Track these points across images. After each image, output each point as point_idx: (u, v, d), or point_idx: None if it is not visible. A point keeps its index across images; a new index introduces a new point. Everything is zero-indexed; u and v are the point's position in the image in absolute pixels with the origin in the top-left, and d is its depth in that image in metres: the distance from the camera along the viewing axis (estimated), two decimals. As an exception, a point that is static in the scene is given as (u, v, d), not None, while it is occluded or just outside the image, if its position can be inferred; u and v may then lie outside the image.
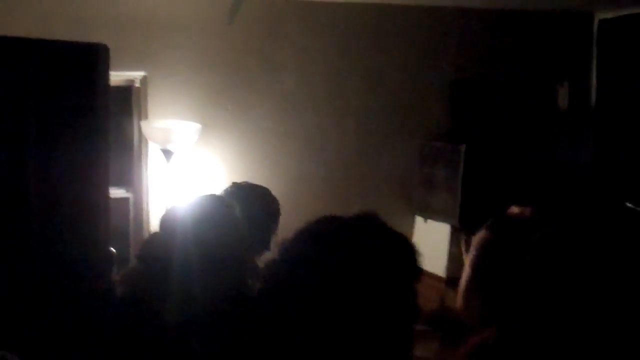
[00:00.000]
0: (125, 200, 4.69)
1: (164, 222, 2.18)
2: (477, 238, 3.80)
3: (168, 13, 4.64)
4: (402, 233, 1.38)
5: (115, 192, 4.41)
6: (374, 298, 1.24)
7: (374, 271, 1.25)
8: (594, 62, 5.49)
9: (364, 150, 5.09)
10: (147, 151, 4.66)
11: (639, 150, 5.03)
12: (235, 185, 2.93)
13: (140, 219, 4.68)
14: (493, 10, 5.23)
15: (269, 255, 3.42)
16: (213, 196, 2.24)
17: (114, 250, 3.59)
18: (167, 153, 4.37)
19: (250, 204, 2.33)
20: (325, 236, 1.27)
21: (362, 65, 5.06)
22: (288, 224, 3.23)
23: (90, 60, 2.90)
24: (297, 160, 4.95)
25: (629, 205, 4.38)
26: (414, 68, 5.16)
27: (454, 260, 4.70)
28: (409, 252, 1.33)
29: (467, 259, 3.84)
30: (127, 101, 4.69)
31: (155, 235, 2.18)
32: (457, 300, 3.56)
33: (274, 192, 4.76)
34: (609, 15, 5.34)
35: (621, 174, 5.05)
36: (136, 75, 4.64)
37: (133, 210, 4.71)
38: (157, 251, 2.11)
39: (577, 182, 4.92)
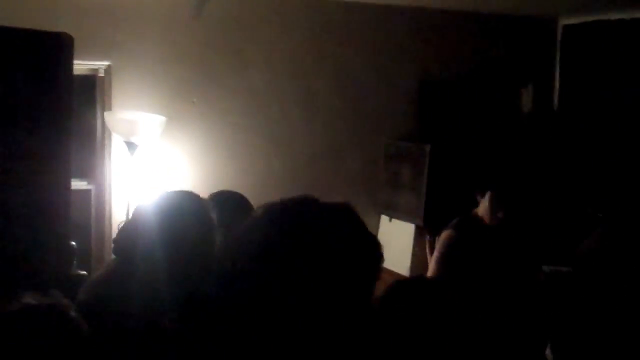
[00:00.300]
0: (87, 192, 4.62)
1: (132, 217, 2.15)
2: (443, 237, 3.83)
3: (135, 3, 4.57)
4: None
5: (77, 184, 4.34)
6: (327, 283, 1.23)
7: (330, 257, 1.25)
8: (558, 66, 5.56)
9: (330, 147, 5.09)
10: (110, 143, 4.59)
11: (601, 154, 5.10)
12: (212, 194, 2.90)
13: (102, 212, 4.61)
14: (460, 12, 5.26)
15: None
16: (182, 190, 2.21)
17: (74, 244, 3.54)
18: (130, 145, 4.30)
19: (227, 211, 2.31)
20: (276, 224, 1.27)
21: (330, 63, 5.05)
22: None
23: (53, 49, 2.84)
24: (263, 156, 4.92)
25: (597, 213, 4.44)
26: (382, 68, 5.17)
27: (419, 260, 4.72)
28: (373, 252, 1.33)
29: (432, 258, 3.87)
30: (91, 91, 4.61)
31: (122, 230, 2.14)
32: None
33: (238, 187, 4.74)
34: (573, 21, 5.41)
35: (582, 178, 5.12)
36: (100, 65, 4.57)
37: (95, 203, 4.63)
38: (125, 247, 2.08)
39: (539, 185, 4.97)
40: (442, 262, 3.72)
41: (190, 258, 1.98)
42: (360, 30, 5.11)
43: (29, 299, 1.71)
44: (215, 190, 2.73)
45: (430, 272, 3.75)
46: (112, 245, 2.16)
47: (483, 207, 3.76)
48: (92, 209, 4.64)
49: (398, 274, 4.90)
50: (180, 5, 4.64)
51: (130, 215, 2.16)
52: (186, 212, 2.06)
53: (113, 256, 2.20)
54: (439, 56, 5.30)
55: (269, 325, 1.21)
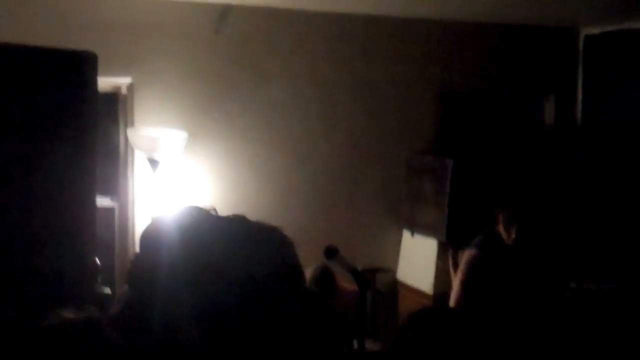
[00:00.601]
0: (110, 209, 4.63)
1: (145, 237, 2.12)
2: (466, 256, 3.80)
3: (156, 20, 4.60)
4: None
5: (101, 201, 4.34)
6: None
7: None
8: (580, 77, 5.51)
9: (352, 162, 5.07)
10: (133, 159, 4.60)
11: (625, 165, 5.04)
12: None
13: (125, 229, 4.62)
14: (481, 24, 5.24)
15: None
16: (198, 207, 2.19)
17: (98, 262, 3.54)
18: (153, 162, 4.32)
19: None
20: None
21: (350, 77, 5.05)
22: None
23: (77, 67, 2.86)
24: (285, 171, 4.92)
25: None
26: (402, 80, 5.16)
27: (441, 276, 4.67)
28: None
29: (456, 277, 3.84)
30: (114, 108, 4.63)
31: (138, 254, 2.13)
32: None
33: (259, 202, 4.74)
34: (595, 31, 5.37)
35: (606, 188, 5.07)
36: (123, 81, 4.59)
37: (118, 220, 4.64)
38: (143, 271, 2.06)
39: (564, 197, 4.92)
40: (466, 281, 3.69)
41: (211, 275, 1.97)
42: (380, 43, 5.10)
43: (67, 313, 1.72)
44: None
45: (454, 294, 3.73)
46: (129, 272, 2.13)
47: (501, 225, 3.74)
48: (116, 226, 4.65)
49: (421, 291, 4.84)
50: (201, 21, 4.66)
51: (146, 233, 2.13)
52: (205, 228, 2.05)
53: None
54: (459, 68, 5.28)
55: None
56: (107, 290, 3.70)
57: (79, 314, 1.75)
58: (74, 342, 1.64)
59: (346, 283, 3.72)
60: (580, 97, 5.53)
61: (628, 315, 3.79)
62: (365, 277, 3.15)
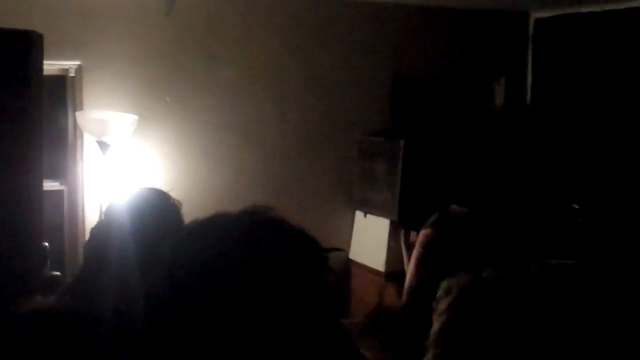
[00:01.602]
0: (59, 192, 4.57)
1: (104, 216, 2.14)
2: (421, 236, 3.84)
3: (105, 2, 4.53)
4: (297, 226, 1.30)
5: (49, 185, 4.29)
6: (279, 304, 1.16)
7: (271, 273, 1.16)
8: (530, 60, 5.60)
9: (304, 144, 5.09)
10: (82, 143, 4.54)
11: (573, 147, 5.15)
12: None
13: (75, 212, 4.57)
14: (433, 8, 5.28)
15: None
16: (152, 188, 2.20)
17: (46, 244, 3.50)
18: (103, 145, 4.27)
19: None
20: (212, 239, 1.19)
21: (302, 59, 5.05)
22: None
23: (23, 47, 2.81)
24: (236, 154, 4.91)
25: (574, 205, 4.49)
26: (354, 62, 5.17)
27: (393, 255, 4.74)
28: (307, 245, 1.24)
29: (411, 257, 3.88)
30: (62, 91, 4.56)
31: (94, 230, 2.13)
32: (403, 297, 3.59)
33: (212, 185, 4.73)
34: (544, 14, 5.45)
35: (555, 171, 5.17)
36: (71, 64, 4.52)
37: (67, 203, 4.59)
38: (97, 248, 2.06)
39: (513, 180, 5.01)
40: (421, 261, 3.72)
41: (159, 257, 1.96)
42: (332, 26, 5.11)
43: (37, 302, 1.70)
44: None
45: (409, 272, 3.77)
46: (84, 247, 2.14)
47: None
48: (65, 209, 4.59)
49: (374, 269, 4.92)
50: (150, 3, 4.61)
51: (103, 215, 2.14)
52: (157, 209, 2.06)
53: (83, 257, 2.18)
54: (411, 51, 5.32)
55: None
56: (57, 274, 3.66)
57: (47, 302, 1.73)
58: (49, 331, 1.63)
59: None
60: (530, 79, 5.62)
61: (592, 289, 3.87)
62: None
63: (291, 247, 1.20)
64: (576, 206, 4.65)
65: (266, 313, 1.12)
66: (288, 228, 1.23)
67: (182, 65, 4.75)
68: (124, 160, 4.53)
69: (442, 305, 2.09)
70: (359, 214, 5.15)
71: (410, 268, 3.82)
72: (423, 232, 3.88)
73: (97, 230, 2.10)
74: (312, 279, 1.19)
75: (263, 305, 1.12)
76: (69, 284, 2.23)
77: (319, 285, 1.17)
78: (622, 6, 4.82)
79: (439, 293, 2.12)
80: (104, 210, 2.17)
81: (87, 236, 2.18)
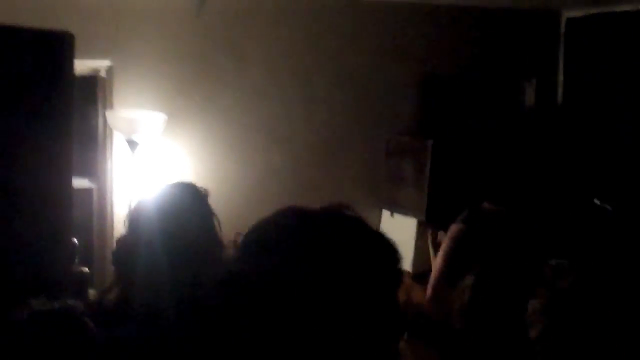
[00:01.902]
0: (89, 191, 4.62)
1: (130, 216, 2.14)
2: (452, 230, 3.82)
3: (135, 2, 4.57)
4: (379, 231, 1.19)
5: (79, 183, 4.34)
6: (349, 308, 1.08)
7: (349, 276, 1.08)
8: (561, 60, 5.53)
9: (332, 143, 5.08)
10: (112, 141, 4.59)
11: (605, 147, 5.08)
12: None
13: (104, 210, 4.61)
14: (463, 7, 5.24)
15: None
16: (180, 184, 2.18)
17: (75, 241, 3.55)
18: (132, 143, 4.31)
19: None
20: (290, 232, 1.11)
21: (331, 59, 5.04)
22: (255, 218, 3.22)
23: (55, 48, 2.84)
24: (264, 153, 4.92)
25: (596, 202, 4.44)
26: (383, 62, 5.16)
27: (421, 255, 4.71)
28: (389, 252, 1.15)
29: (440, 251, 3.86)
30: (92, 90, 4.61)
31: (122, 235, 2.13)
32: (427, 291, 3.57)
33: (240, 184, 4.75)
34: (576, 14, 5.39)
35: (588, 171, 5.11)
36: (102, 64, 4.57)
37: (97, 201, 4.64)
38: (126, 250, 2.06)
39: (544, 179, 4.96)
40: (450, 255, 3.69)
41: (192, 253, 1.97)
42: (361, 26, 5.10)
43: (38, 305, 1.70)
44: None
45: (437, 266, 3.74)
46: (113, 253, 2.14)
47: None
48: (94, 207, 4.64)
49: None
50: (180, 3, 4.64)
51: (131, 213, 2.14)
52: (186, 206, 2.05)
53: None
54: (441, 51, 5.28)
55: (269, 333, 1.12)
56: (86, 270, 3.71)
57: (51, 303, 1.74)
58: (46, 335, 1.63)
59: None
60: (561, 79, 5.56)
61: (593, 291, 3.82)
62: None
63: (376, 259, 1.11)
64: (607, 206, 4.59)
65: (336, 324, 1.04)
66: (372, 232, 1.14)
67: (211, 65, 4.77)
68: (153, 159, 4.57)
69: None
70: (385, 214, 5.13)
71: (437, 262, 3.80)
72: (454, 227, 3.87)
73: (127, 228, 2.11)
74: (389, 295, 1.11)
75: (333, 315, 1.05)
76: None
77: (392, 303, 1.10)
78: (656, 5, 4.76)
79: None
80: (132, 207, 2.17)
81: (116, 235, 2.19)
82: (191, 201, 2.09)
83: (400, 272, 1.14)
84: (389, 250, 1.14)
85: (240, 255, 1.15)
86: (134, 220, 2.10)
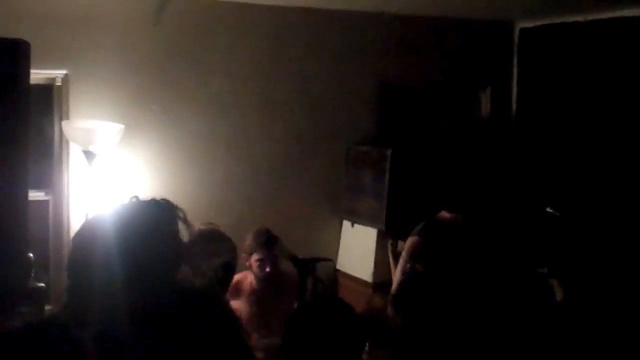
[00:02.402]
0: (44, 203, 4.54)
1: (82, 231, 2.08)
2: (409, 243, 3.85)
3: (92, 11, 4.51)
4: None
5: (35, 195, 4.26)
6: None
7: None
8: (515, 69, 5.63)
9: (291, 153, 5.08)
10: (68, 152, 4.52)
11: (558, 156, 5.17)
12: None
13: (60, 223, 4.53)
14: (418, 17, 5.30)
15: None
16: (142, 200, 2.14)
17: (31, 255, 3.48)
18: (88, 154, 4.25)
19: None
20: None
21: (290, 69, 5.05)
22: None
23: (10, 56, 2.79)
24: (223, 164, 4.89)
25: (549, 210, 4.51)
26: (342, 73, 5.18)
27: (381, 265, 4.73)
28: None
29: (397, 264, 3.89)
30: (48, 100, 4.54)
31: (76, 241, 2.08)
32: (388, 304, 3.59)
33: (199, 195, 4.71)
34: (529, 24, 5.49)
35: (540, 179, 5.19)
36: (58, 73, 4.50)
37: (53, 214, 4.56)
38: (79, 263, 2.02)
39: (499, 187, 5.03)
40: (408, 269, 3.73)
41: (147, 269, 1.94)
42: (320, 36, 5.11)
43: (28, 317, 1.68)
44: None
45: (395, 279, 3.78)
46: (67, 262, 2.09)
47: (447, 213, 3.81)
48: (50, 219, 4.56)
49: (361, 280, 4.90)
50: (138, 13, 4.60)
51: (83, 226, 2.09)
52: (143, 221, 2.01)
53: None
54: (398, 61, 5.33)
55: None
56: (41, 285, 3.63)
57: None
58: (40, 346, 1.61)
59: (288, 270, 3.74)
60: (515, 89, 5.65)
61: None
62: (305, 264, 3.16)
63: None
64: (554, 211, 4.67)
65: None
66: None
67: (170, 74, 4.74)
68: (110, 170, 4.51)
69: None
70: (346, 224, 5.14)
71: (396, 274, 3.84)
72: (410, 239, 3.90)
73: (80, 241, 2.06)
74: None
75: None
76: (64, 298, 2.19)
77: None
78: (605, 16, 4.86)
79: None
80: (88, 219, 2.13)
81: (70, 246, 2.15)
82: (154, 221, 2.04)
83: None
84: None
85: None
86: (88, 236, 2.05)
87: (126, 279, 1.91)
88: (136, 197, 2.10)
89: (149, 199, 2.09)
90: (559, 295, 3.49)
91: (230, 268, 3.04)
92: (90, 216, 2.13)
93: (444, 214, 4.01)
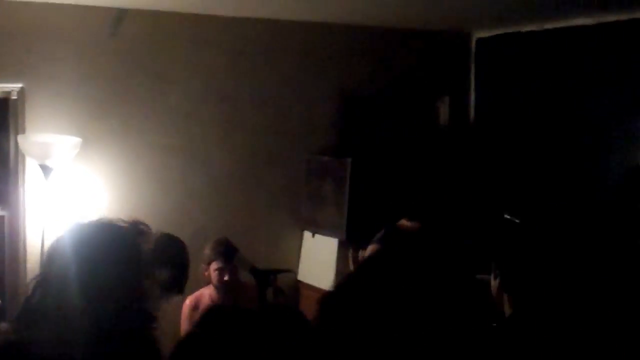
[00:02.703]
0: (0, 218, 4.47)
1: (48, 251, 2.05)
2: (369, 251, 3.87)
3: (48, 23, 4.46)
4: None
5: (-11, 211, 4.19)
6: None
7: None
8: (472, 78, 5.70)
9: (251, 165, 5.07)
10: (24, 167, 4.45)
11: (516, 163, 5.24)
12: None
13: (16, 239, 4.45)
14: (378, 27, 5.34)
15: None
16: (98, 221, 2.09)
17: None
18: (45, 169, 4.19)
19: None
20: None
21: (249, 80, 5.04)
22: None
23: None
24: (183, 176, 4.86)
25: (506, 216, 4.56)
26: (301, 84, 5.19)
27: (342, 275, 4.73)
28: None
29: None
30: (3, 114, 4.47)
31: (42, 265, 2.05)
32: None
33: (159, 208, 4.68)
34: (485, 34, 5.57)
35: (499, 185, 5.26)
36: (13, 87, 4.43)
37: (8, 230, 4.48)
38: (42, 283, 1.98)
39: (458, 194, 5.08)
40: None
41: (105, 294, 1.91)
42: (279, 47, 5.12)
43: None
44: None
45: None
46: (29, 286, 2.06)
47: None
48: (6, 235, 4.48)
49: (322, 290, 4.90)
50: (95, 25, 4.56)
51: (49, 246, 2.07)
52: (101, 245, 1.97)
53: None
54: (358, 71, 5.36)
55: None
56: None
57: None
58: None
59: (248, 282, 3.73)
60: (473, 98, 5.72)
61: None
62: (265, 275, 3.15)
63: None
64: (512, 218, 4.73)
65: None
66: None
67: (128, 86, 4.70)
68: (68, 185, 4.45)
69: None
70: (307, 234, 5.14)
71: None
72: (371, 247, 3.92)
73: (45, 261, 2.04)
74: None
75: None
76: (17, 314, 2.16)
77: None
78: (559, 25, 4.96)
79: None
80: (53, 240, 2.09)
81: (29, 265, 2.12)
82: (116, 242, 2.00)
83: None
84: None
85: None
86: (49, 259, 2.02)
87: (84, 301, 1.88)
88: (99, 217, 2.07)
89: (113, 219, 2.06)
90: (507, 311, 3.53)
91: (182, 268, 3.02)
92: (55, 236, 2.08)
93: (404, 222, 4.04)
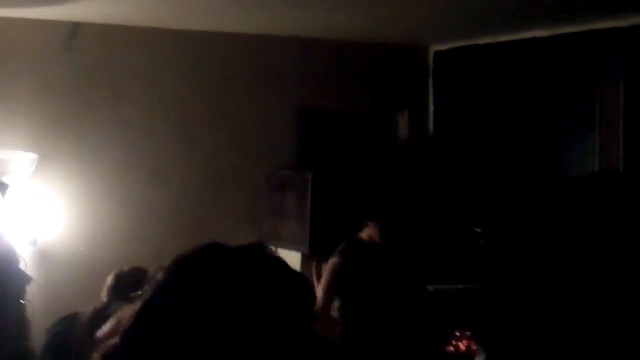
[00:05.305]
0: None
1: None
2: (330, 264, 3.88)
3: (1, 38, 4.39)
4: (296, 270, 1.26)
5: (-58, 230, 4.07)
6: (261, 341, 1.10)
7: (264, 312, 1.10)
8: (431, 91, 5.75)
9: (211, 179, 5.03)
10: (-23, 185, 4.35)
11: (476, 174, 5.29)
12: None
13: (-30, 258, 4.34)
14: (334, 41, 5.36)
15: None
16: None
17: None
18: (1, 186, 4.11)
19: None
20: (206, 267, 1.14)
21: (208, 95, 5.02)
22: (133, 260, 3.11)
23: None
24: (142, 193, 4.80)
25: (476, 229, 4.61)
26: (261, 97, 5.18)
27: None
28: (304, 291, 1.20)
29: (320, 285, 3.91)
30: (-45, 131, 4.37)
31: None
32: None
33: (118, 225, 4.61)
34: (443, 47, 5.63)
35: (461, 197, 5.30)
36: (-35, 103, 4.35)
37: (-38, 249, 4.36)
38: None
39: (420, 207, 5.10)
40: (329, 289, 3.77)
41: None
42: (237, 61, 5.11)
43: None
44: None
45: (318, 299, 3.77)
46: None
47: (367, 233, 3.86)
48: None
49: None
50: (49, 39, 4.50)
51: None
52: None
53: None
54: (316, 84, 5.37)
55: None
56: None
57: None
58: None
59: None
60: (431, 110, 5.76)
61: (485, 311, 3.98)
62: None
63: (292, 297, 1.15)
64: (478, 230, 4.78)
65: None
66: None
67: (84, 101, 4.64)
68: (24, 202, 4.37)
69: None
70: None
71: (318, 294, 3.84)
72: (331, 260, 3.93)
73: None
74: (299, 330, 1.14)
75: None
76: None
77: (302, 337, 1.13)
78: (514, 37, 5.04)
79: None
80: None
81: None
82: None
83: (311, 310, 1.21)
84: (304, 289, 1.19)
85: (160, 288, 1.16)
86: None
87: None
88: None
89: None
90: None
91: None
92: None
93: (364, 234, 4.08)
